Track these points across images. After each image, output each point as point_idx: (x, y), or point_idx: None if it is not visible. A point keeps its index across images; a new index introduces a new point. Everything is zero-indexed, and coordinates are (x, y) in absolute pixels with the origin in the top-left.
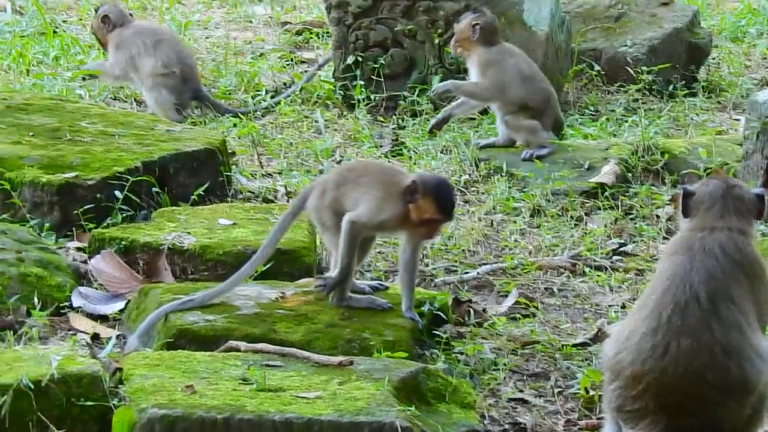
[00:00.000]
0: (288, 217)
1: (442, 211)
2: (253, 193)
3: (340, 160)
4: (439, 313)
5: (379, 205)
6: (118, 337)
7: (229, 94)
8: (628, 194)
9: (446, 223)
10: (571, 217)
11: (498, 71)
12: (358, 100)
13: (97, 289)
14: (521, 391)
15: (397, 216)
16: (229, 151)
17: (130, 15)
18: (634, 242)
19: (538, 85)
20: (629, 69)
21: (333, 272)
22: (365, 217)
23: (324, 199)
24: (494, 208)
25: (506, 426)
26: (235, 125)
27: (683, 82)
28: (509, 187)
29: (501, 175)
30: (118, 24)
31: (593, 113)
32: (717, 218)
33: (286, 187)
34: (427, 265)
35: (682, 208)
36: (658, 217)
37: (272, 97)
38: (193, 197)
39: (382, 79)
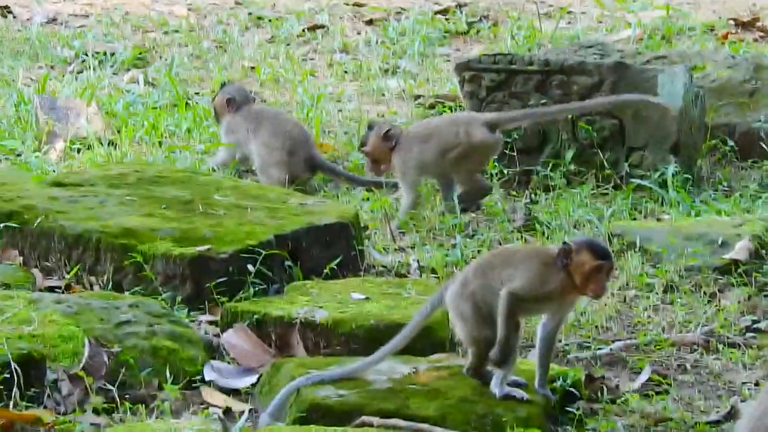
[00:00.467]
0: (425, 310)
1: (601, 256)
2: (386, 267)
3: (473, 235)
4: (572, 389)
5: (541, 275)
6: (250, 411)
7: (362, 167)
8: (761, 271)
9: (611, 270)
10: (705, 293)
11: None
12: (491, 174)
13: (229, 362)
14: None
15: (561, 283)
16: (362, 225)
17: (253, 98)
18: (767, 319)
19: None
20: (763, 144)
21: (468, 362)
22: (527, 288)
23: (465, 289)
24: (627, 284)
25: None
26: (367, 199)
27: None
28: (642, 263)
29: (634, 251)
30: (239, 106)
31: (726, 189)
32: None
33: (418, 262)
34: (560, 341)
35: None
36: None
37: None
38: (325, 271)
39: (515, 154)
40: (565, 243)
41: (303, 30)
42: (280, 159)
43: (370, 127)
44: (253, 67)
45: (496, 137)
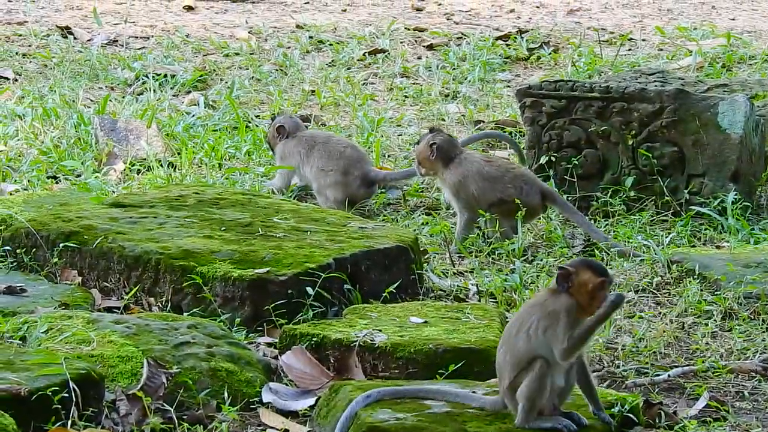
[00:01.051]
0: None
1: (602, 272)
2: (445, 291)
3: (532, 260)
4: (630, 415)
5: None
6: None
7: (421, 191)
8: None
9: (611, 283)
10: (763, 320)
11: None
12: None
13: (287, 384)
14: None
15: (573, 311)
16: (421, 249)
17: (305, 125)
18: None
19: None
20: None
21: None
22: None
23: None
24: (686, 311)
25: None
26: (427, 223)
27: None
28: (701, 290)
29: (693, 278)
30: (289, 133)
31: None
32: None
33: (477, 286)
34: (618, 367)
35: None
36: None
37: None
38: (384, 294)
39: (575, 180)
40: (561, 268)
41: (364, 54)
42: (336, 180)
43: (430, 130)
44: (313, 91)
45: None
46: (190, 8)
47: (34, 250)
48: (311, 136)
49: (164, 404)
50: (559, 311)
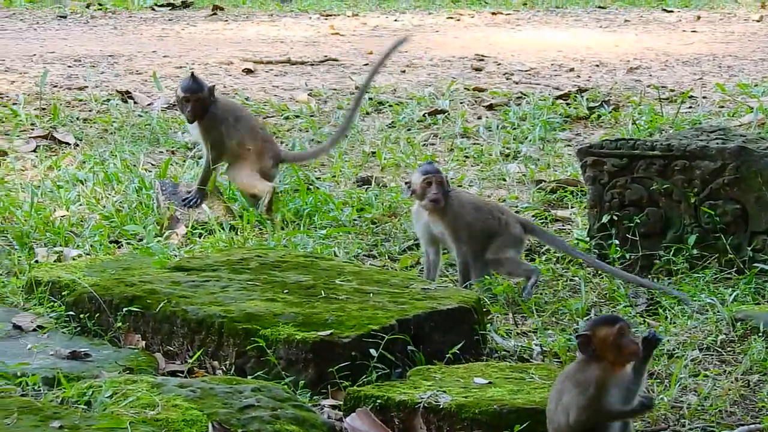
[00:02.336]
0: None
1: (613, 320)
2: (508, 351)
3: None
4: None
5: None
6: None
7: None
8: None
9: (629, 327)
10: None
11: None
12: (613, 259)
13: None
14: None
15: (603, 371)
16: (484, 310)
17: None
18: None
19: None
20: None
21: None
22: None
23: None
24: (751, 368)
25: None
26: (489, 283)
27: None
28: (766, 347)
29: (758, 335)
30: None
31: None
32: None
33: (541, 347)
34: (683, 426)
35: None
36: None
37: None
38: (448, 355)
39: (638, 238)
40: (577, 336)
41: (424, 115)
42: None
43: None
44: (373, 152)
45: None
46: (249, 71)
47: (98, 314)
48: (232, 105)
49: None
50: (589, 381)
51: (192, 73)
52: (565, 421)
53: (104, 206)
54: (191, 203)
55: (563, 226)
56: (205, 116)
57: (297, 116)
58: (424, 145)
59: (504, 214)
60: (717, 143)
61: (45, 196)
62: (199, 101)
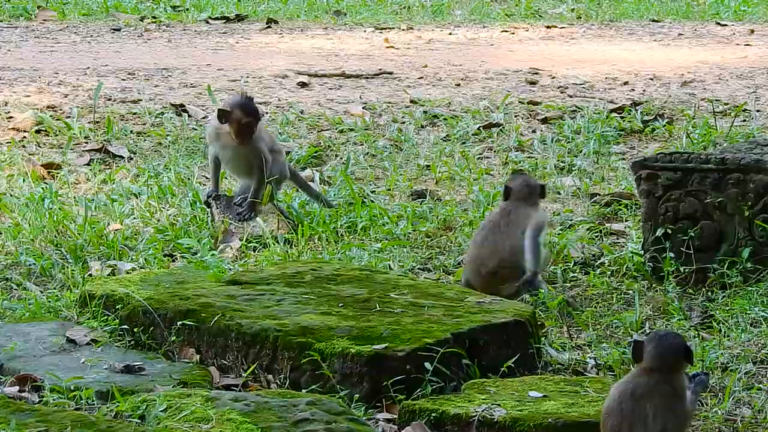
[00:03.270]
0: None
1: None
2: (563, 365)
3: (650, 333)
4: None
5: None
6: None
7: None
8: None
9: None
10: None
11: None
12: (668, 272)
13: None
14: None
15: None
16: (539, 323)
17: None
18: None
19: None
20: None
21: None
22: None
23: None
24: None
25: None
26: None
27: None
28: None
29: None
30: None
31: None
32: None
33: (596, 360)
34: None
35: None
36: None
37: (581, 269)
38: (502, 369)
39: (692, 251)
40: (635, 341)
41: (478, 128)
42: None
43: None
44: (428, 166)
45: None
46: (304, 84)
47: (152, 328)
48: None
49: None
50: (679, 391)
51: (248, 95)
52: None
53: (158, 220)
54: (244, 217)
55: (618, 239)
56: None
57: (351, 129)
58: (479, 158)
59: None
60: None
61: (99, 209)
62: (256, 124)
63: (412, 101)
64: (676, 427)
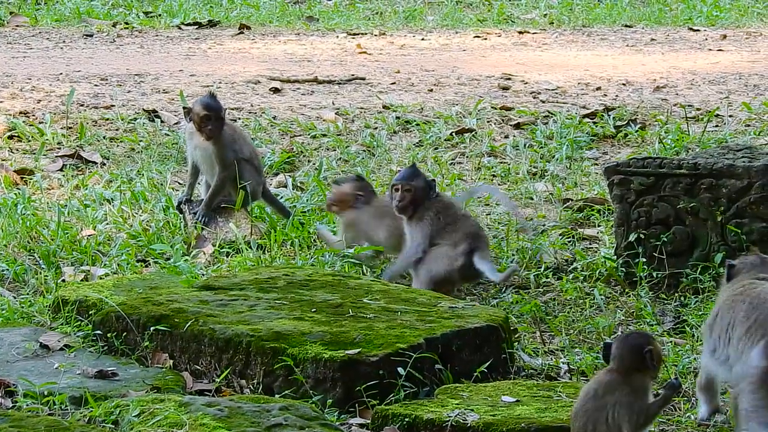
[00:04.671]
0: None
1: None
2: (536, 370)
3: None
4: None
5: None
6: None
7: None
8: None
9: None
10: None
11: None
12: (640, 278)
13: None
14: None
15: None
16: (511, 328)
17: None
18: None
19: None
20: None
21: None
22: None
23: None
24: None
25: None
26: (517, 302)
27: None
28: None
29: None
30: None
31: None
32: None
33: (569, 365)
34: None
35: None
36: None
37: (554, 274)
38: (475, 374)
39: (665, 257)
40: (647, 350)
41: (451, 134)
42: None
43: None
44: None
45: None
46: (276, 90)
47: (125, 333)
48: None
49: None
50: (642, 389)
51: (211, 92)
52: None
53: (131, 225)
54: (198, 218)
55: (590, 244)
56: (221, 136)
57: (324, 135)
58: (451, 163)
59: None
60: (743, 162)
61: (72, 215)
62: (219, 120)
63: (384, 107)
64: (634, 425)
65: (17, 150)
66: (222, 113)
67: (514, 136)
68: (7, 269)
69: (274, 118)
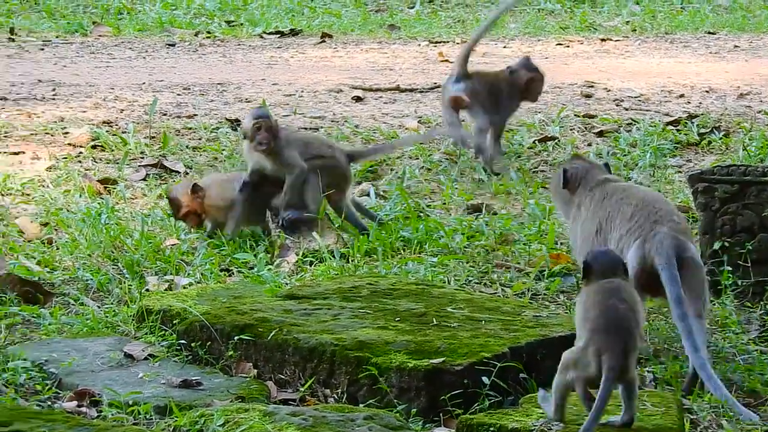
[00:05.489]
0: None
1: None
2: None
3: (708, 346)
4: None
5: None
6: None
7: None
8: None
9: None
10: None
11: None
12: (725, 286)
13: None
14: None
15: None
16: None
17: None
18: None
19: None
20: None
21: None
22: None
23: None
24: None
25: None
26: None
27: None
28: None
29: None
30: None
31: None
32: None
33: (653, 374)
34: None
35: None
36: None
37: None
38: None
39: (749, 265)
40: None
41: (534, 142)
42: None
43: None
44: (483, 180)
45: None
46: (359, 99)
47: (209, 343)
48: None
49: None
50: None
51: (263, 101)
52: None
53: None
54: (282, 229)
55: None
56: (277, 144)
57: None
58: (534, 171)
59: (331, 148)
60: None
61: (155, 224)
62: (270, 129)
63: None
64: None
65: (100, 159)
66: (272, 121)
67: (597, 143)
68: (92, 279)
69: (357, 126)
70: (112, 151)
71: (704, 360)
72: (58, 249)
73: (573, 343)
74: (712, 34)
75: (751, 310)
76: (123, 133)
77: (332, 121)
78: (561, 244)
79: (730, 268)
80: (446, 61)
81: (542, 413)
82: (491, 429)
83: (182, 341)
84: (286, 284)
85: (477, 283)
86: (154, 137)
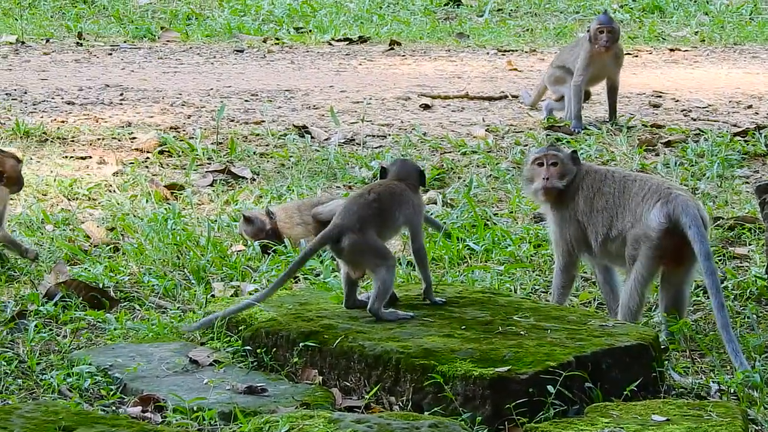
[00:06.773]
0: None
1: None
2: (686, 389)
3: (764, 353)
4: None
5: None
6: None
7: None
8: None
9: None
10: None
11: None
12: None
13: None
14: None
15: None
16: (662, 347)
17: None
18: None
19: None
20: None
21: None
22: None
23: None
24: None
25: None
26: (666, 321)
27: None
28: None
29: None
30: None
31: None
32: None
33: (719, 384)
34: None
35: None
36: None
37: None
38: (625, 392)
39: None
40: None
41: (601, 152)
42: None
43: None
44: None
45: None
46: (427, 107)
47: (275, 349)
48: None
49: None
50: None
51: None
52: None
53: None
54: None
55: (741, 263)
56: None
57: (474, 152)
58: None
59: None
60: None
61: (222, 230)
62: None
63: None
64: None
65: (168, 165)
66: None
67: (664, 153)
68: (158, 284)
69: (425, 134)
70: (179, 156)
71: (728, 320)
72: (124, 254)
73: (639, 353)
74: None
75: None
76: (190, 138)
77: (400, 129)
78: None
79: None
80: (515, 69)
81: (607, 422)
82: None
83: (247, 347)
84: None
85: (543, 292)
86: (221, 143)
